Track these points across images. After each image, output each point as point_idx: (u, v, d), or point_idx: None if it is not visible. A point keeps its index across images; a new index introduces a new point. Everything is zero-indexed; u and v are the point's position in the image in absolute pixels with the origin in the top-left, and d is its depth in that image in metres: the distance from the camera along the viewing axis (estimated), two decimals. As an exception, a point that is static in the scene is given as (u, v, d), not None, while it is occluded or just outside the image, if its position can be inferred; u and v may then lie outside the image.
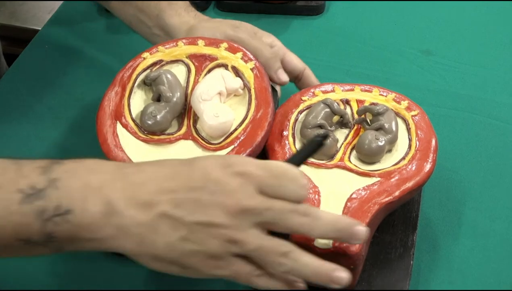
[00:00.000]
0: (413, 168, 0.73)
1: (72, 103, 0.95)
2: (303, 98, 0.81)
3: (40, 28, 1.11)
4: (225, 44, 0.81)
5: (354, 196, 0.70)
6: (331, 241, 0.66)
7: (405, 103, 0.80)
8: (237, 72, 0.79)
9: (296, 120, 0.79)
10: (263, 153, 0.76)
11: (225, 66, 0.80)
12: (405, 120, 0.78)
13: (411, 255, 0.73)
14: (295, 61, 0.87)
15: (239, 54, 0.81)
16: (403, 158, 0.74)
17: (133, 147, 0.74)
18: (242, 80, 0.79)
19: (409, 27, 1.09)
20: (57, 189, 0.56)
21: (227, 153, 0.73)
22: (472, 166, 0.86)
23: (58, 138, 0.90)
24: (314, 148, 0.65)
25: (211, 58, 0.81)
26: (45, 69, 1.01)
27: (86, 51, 1.04)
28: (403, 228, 0.75)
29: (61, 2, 1.16)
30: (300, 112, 0.79)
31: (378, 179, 0.72)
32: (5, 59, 1.12)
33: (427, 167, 0.73)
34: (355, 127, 0.78)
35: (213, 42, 0.82)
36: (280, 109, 0.80)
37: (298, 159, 0.64)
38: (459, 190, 0.83)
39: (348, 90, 0.82)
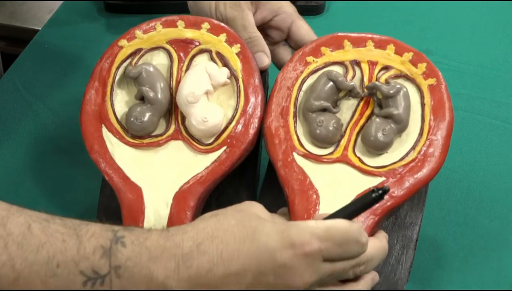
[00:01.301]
0: (422, 164, 0.68)
1: (72, 103, 0.95)
2: (308, 59, 0.75)
3: (40, 28, 1.11)
4: (207, 25, 0.77)
5: None
6: None
7: (422, 66, 0.73)
8: (222, 58, 0.75)
9: (299, 91, 0.73)
10: (259, 133, 0.73)
11: (208, 52, 0.76)
12: (420, 91, 0.72)
13: (414, 243, 0.71)
14: (302, 31, 0.81)
15: (223, 37, 0.76)
16: (413, 148, 0.69)
17: (122, 155, 0.72)
18: (229, 68, 0.75)
19: (409, 27, 1.09)
20: (120, 278, 0.55)
21: (219, 155, 0.71)
22: (472, 165, 0.86)
23: (58, 138, 0.90)
24: (370, 204, 0.62)
25: (193, 44, 0.76)
26: (45, 69, 1.01)
27: (86, 51, 1.04)
28: (408, 208, 0.73)
29: (61, 2, 1.16)
30: (304, 80, 0.73)
31: (383, 178, 0.68)
32: (5, 59, 1.12)
33: (436, 161, 0.68)
34: (364, 99, 0.73)
35: (194, 23, 0.77)
36: (282, 75, 0.74)
37: (351, 213, 0.61)
38: (459, 189, 0.83)
39: (359, 45, 0.74)
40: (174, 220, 0.69)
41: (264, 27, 0.83)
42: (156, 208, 0.69)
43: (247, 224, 0.58)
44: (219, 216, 0.59)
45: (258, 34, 0.80)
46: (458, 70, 1.00)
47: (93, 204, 0.77)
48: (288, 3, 0.83)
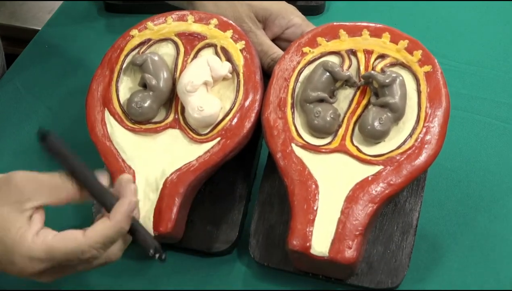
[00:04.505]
0: (419, 151, 0.69)
1: (72, 103, 0.95)
2: (304, 50, 0.76)
3: (40, 28, 1.11)
4: (215, 21, 0.79)
5: (354, 192, 0.68)
6: (327, 250, 0.66)
7: (418, 54, 0.74)
8: (226, 53, 0.77)
9: (296, 82, 0.74)
10: (259, 126, 0.74)
11: (214, 46, 0.78)
12: (416, 78, 0.73)
13: (414, 229, 0.72)
14: None
15: (229, 33, 0.78)
16: (410, 136, 0.70)
17: (120, 137, 0.74)
18: (231, 63, 0.76)
19: (409, 27, 1.08)
20: None
21: (213, 145, 0.72)
22: (472, 165, 0.86)
23: (58, 138, 0.90)
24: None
25: (200, 38, 0.78)
26: (45, 69, 1.01)
27: (86, 51, 1.04)
28: (407, 195, 0.73)
29: (61, 2, 1.16)
30: (300, 72, 0.74)
31: (381, 167, 0.69)
32: (5, 59, 1.12)
33: (433, 148, 0.69)
34: (361, 88, 0.73)
35: (203, 18, 0.79)
36: (279, 67, 0.75)
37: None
38: (459, 189, 0.83)
39: (355, 34, 0.75)
40: (162, 204, 0.70)
41: (274, 40, 0.84)
42: (147, 191, 0.71)
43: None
44: None
45: (278, 53, 0.80)
46: (458, 70, 1.00)
47: (92, 204, 0.77)
48: (296, 12, 0.84)
